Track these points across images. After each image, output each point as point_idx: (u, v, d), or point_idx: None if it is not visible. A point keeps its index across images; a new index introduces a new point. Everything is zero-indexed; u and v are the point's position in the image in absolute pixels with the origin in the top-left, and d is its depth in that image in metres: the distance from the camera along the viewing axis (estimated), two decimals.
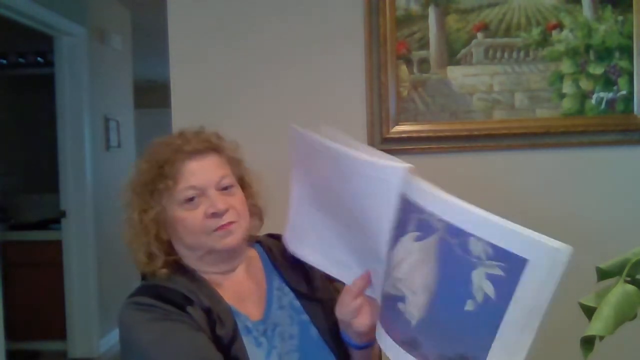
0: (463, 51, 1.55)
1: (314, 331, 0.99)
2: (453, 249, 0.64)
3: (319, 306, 1.02)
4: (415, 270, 0.69)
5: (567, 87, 1.53)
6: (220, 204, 0.94)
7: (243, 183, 1.04)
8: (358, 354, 0.97)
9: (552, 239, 0.58)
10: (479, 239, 0.62)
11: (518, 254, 0.59)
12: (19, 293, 3.48)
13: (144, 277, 0.99)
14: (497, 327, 0.62)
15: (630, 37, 1.51)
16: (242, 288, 1.00)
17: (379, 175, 0.74)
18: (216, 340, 0.88)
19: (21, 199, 4.21)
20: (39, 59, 4.02)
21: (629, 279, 0.61)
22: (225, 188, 0.97)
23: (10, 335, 3.09)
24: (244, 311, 0.96)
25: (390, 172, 0.72)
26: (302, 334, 0.98)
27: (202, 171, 0.96)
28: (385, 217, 0.74)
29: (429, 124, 1.55)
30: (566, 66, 1.53)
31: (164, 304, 0.89)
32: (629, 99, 1.52)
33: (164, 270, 0.95)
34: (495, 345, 0.63)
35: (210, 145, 0.99)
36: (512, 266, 0.60)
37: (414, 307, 0.70)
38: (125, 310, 0.91)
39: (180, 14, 1.62)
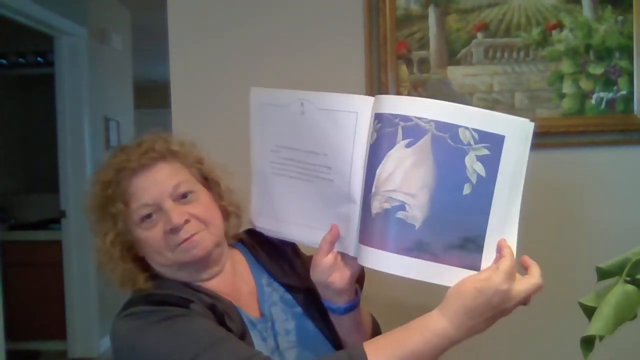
0: (463, 51, 1.55)
1: (309, 322, 0.97)
2: (446, 142, 0.75)
3: (309, 296, 0.99)
4: (411, 175, 0.77)
5: (567, 87, 1.53)
6: (176, 218, 0.87)
7: (208, 183, 0.98)
8: (345, 321, 0.93)
9: (517, 117, 0.75)
10: (466, 127, 0.74)
11: (497, 132, 0.74)
12: (19, 293, 3.49)
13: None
14: (490, 202, 0.75)
15: (630, 37, 1.51)
16: (234, 289, 0.96)
17: (348, 108, 0.83)
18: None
19: (21, 199, 4.21)
20: (39, 59, 4.02)
21: (628, 278, 0.62)
22: (184, 195, 0.91)
23: (10, 335, 3.09)
24: (244, 309, 0.93)
25: (360, 101, 0.82)
26: (299, 328, 0.96)
27: (151, 185, 0.89)
28: (359, 144, 0.81)
29: None
30: (566, 66, 1.53)
31: (165, 306, 0.84)
32: (629, 99, 1.52)
33: (150, 284, 0.90)
34: (491, 219, 0.75)
35: (155, 155, 0.92)
36: (494, 144, 0.74)
37: (416, 209, 0.76)
38: (119, 323, 0.85)
39: (180, 14, 1.62)
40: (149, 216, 0.88)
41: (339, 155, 0.83)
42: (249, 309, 0.95)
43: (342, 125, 0.83)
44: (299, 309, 0.98)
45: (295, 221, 0.92)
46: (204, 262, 0.92)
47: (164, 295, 0.86)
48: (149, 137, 0.95)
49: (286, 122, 0.90)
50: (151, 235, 0.88)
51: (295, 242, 0.96)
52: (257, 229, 1.01)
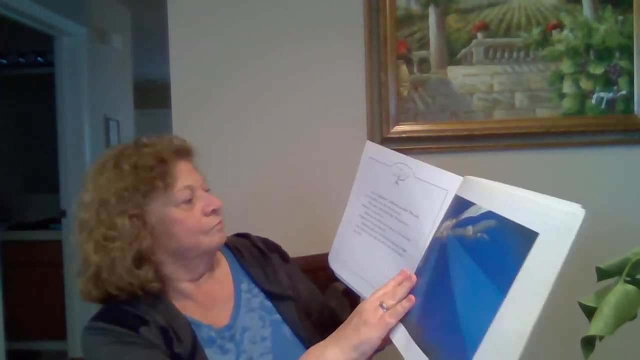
0: (463, 51, 1.55)
1: (287, 330, 0.99)
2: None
3: (291, 304, 1.02)
4: None
5: (567, 87, 1.53)
6: (217, 200, 0.95)
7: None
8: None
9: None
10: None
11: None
12: (19, 293, 3.48)
13: (106, 300, 0.92)
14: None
15: (630, 37, 1.51)
16: (209, 296, 0.98)
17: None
18: (174, 358, 0.86)
19: (21, 199, 4.21)
20: (39, 59, 4.01)
21: (628, 279, 0.61)
22: (206, 191, 0.98)
23: (10, 335, 3.09)
24: (208, 320, 0.95)
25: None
26: (275, 335, 0.97)
27: (191, 172, 0.97)
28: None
29: (429, 124, 1.55)
30: (566, 66, 1.53)
31: (117, 326, 0.86)
32: (629, 98, 1.52)
33: (156, 285, 0.90)
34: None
35: (188, 148, 1.00)
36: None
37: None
38: (83, 336, 0.89)
39: (180, 14, 1.62)
40: (190, 199, 0.93)
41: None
42: (217, 318, 0.96)
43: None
44: (277, 316, 1.00)
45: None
46: (214, 253, 0.99)
47: (121, 312, 0.89)
48: (168, 135, 1.00)
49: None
50: (190, 216, 0.92)
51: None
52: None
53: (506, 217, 0.64)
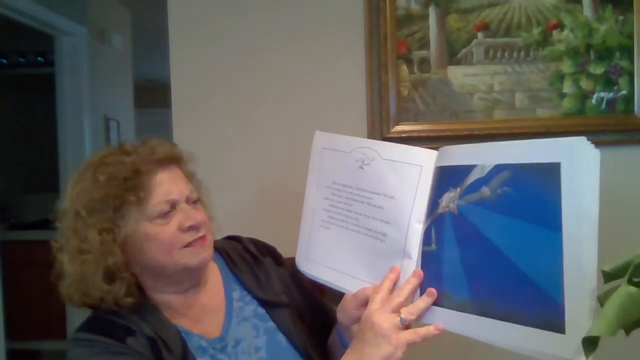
0: (463, 51, 1.55)
1: (282, 338, 0.95)
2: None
3: (285, 311, 0.98)
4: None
5: (568, 87, 1.53)
6: (198, 216, 0.89)
7: (199, 196, 0.98)
8: None
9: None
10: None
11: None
12: (19, 293, 3.48)
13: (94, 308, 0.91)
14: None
15: (630, 36, 1.51)
16: (198, 307, 0.95)
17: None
18: None
19: (21, 199, 4.20)
20: (39, 58, 4.01)
21: (633, 280, 0.61)
22: (194, 202, 0.92)
23: (10, 335, 3.09)
24: (198, 331, 0.91)
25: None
26: (270, 344, 0.94)
27: (173, 183, 0.90)
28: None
29: (429, 124, 1.55)
30: (566, 66, 1.53)
31: (104, 337, 0.84)
32: (629, 98, 1.52)
33: (129, 300, 0.87)
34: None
35: (174, 156, 0.94)
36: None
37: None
38: (69, 348, 0.86)
39: (180, 14, 1.62)
40: (167, 213, 0.87)
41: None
42: (208, 328, 0.93)
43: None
44: (271, 324, 0.96)
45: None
46: (200, 270, 0.93)
47: (107, 322, 0.87)
48: (154, 140, 0.94)
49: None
50: (164, 231, 0.86)
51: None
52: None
53: (520, 162, 0.66)
